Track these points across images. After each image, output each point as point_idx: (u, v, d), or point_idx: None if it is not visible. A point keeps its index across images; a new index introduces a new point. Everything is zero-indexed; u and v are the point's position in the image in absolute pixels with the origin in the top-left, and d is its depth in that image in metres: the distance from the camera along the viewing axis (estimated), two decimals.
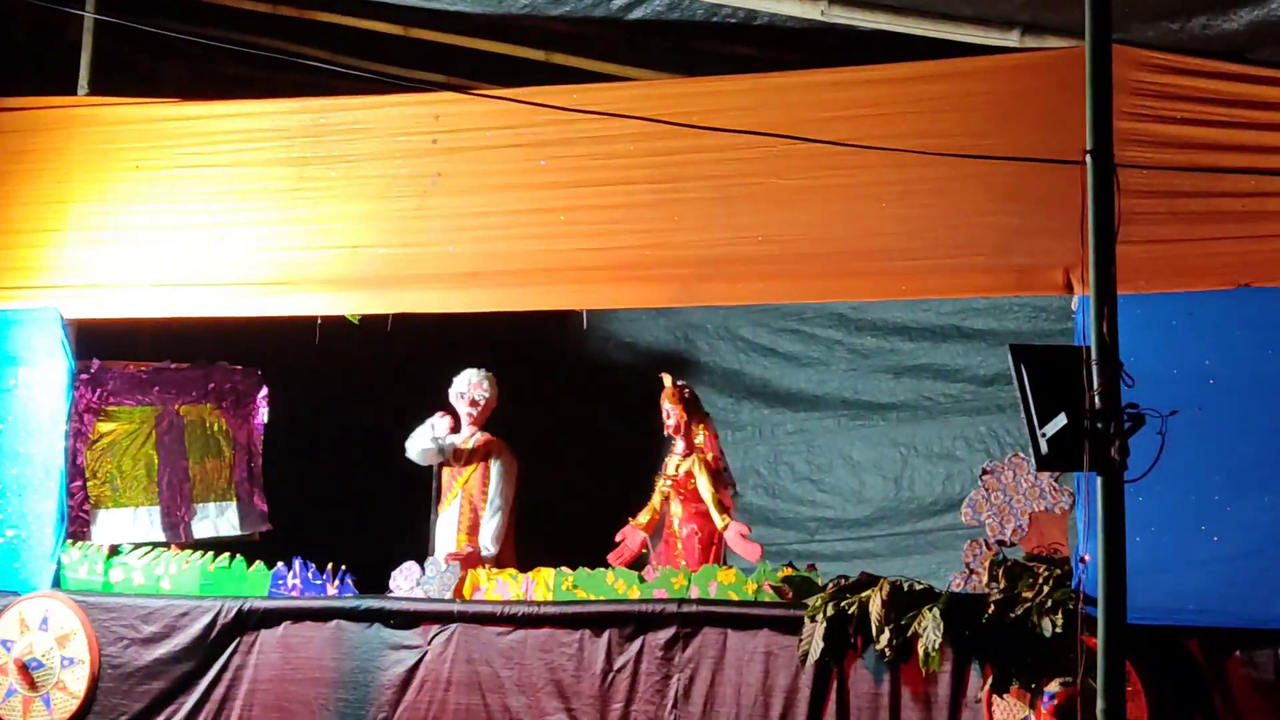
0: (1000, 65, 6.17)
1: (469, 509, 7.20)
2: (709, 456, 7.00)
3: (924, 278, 6.22)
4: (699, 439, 7.03)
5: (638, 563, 6.88)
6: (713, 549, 6.89)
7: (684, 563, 6.75)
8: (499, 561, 7.03)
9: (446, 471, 7.31)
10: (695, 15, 6.89)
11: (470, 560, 6.87)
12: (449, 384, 7.40)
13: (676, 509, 7.00)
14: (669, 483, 7.02)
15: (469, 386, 7.32)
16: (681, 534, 6.96)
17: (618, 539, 7.03)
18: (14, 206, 7.35)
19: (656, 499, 7.10)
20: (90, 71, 7.53)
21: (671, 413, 7.03)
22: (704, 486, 6.90)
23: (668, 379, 7.13)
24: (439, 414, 7.32)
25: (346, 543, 7.18)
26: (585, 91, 6.72)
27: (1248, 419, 5.54)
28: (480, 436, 7.30)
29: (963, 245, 6.07)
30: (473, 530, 7.16)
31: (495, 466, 7.23)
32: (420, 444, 7.25)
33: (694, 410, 7.11)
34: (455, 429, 7.32)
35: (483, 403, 7.31)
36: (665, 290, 6.69)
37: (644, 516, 7.08)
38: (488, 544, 7.10)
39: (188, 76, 8.52)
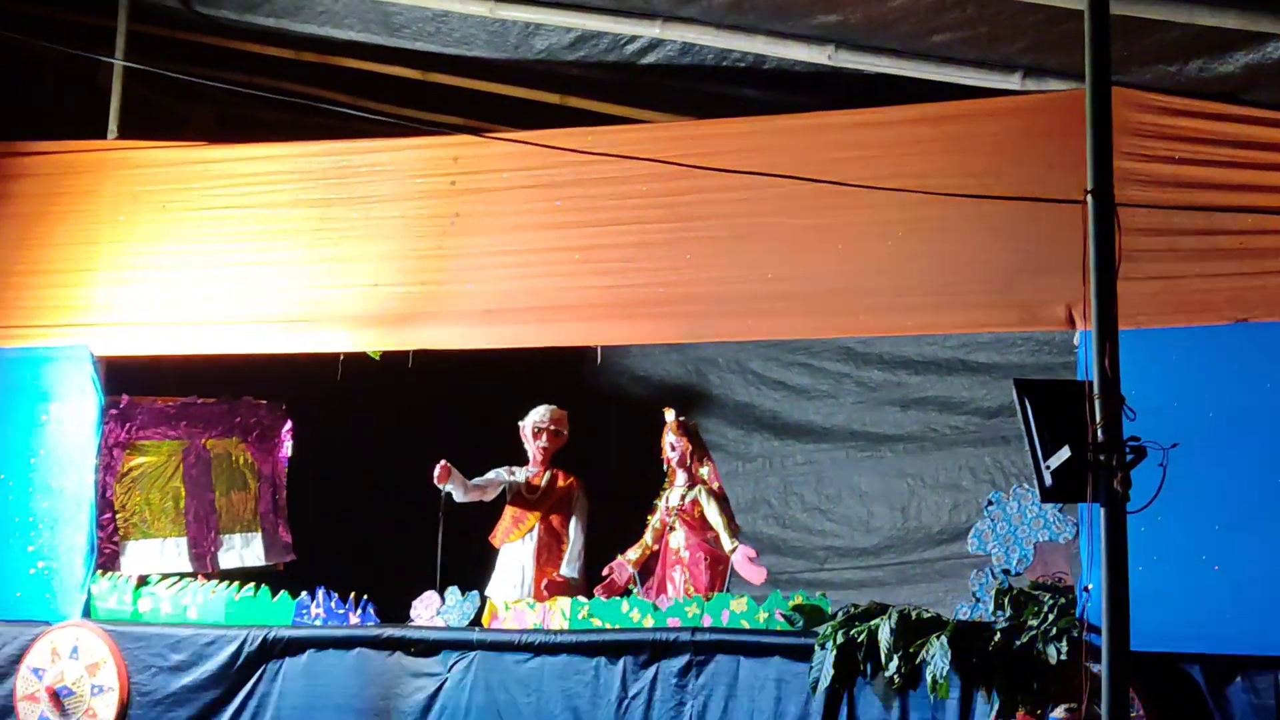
0: (1003, 107, 6.28)
1: (552, 541, 7.24)
2: (715, 486, 7.08)
3: (930, 314, 6.32)
4: (703, 470, 7.10)
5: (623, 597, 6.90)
6: (720, 571, 6.94)
7: (691, 589, 6.81)
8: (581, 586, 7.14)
9: (515, 508, 7.31)
10: (706, 60, 7.00)
11: (563, 588, 6.97)
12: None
13: (680, 539, 7.01)
14: (675, 514, 7.03)
15: (544, 422, 7.36)
16: (688, 560, 6.98)
17: (605, 572, 7.06)
18: (47, 248, 7.50)
19: (650, 536, 7.13)
20: (120, 116, 7.65)
21: (677, 445, 7.08)
22: (714, 513, 6.96)
23: (670, 413, 7.17)
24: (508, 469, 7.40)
25: (368, 572, 7.31)
26: (599, 134, 6.87)
27: (1246, 450, 5.62)
28: (558, 476, 7.37)
29: (967, 282, 6.16)
30: (555, 561, 7.21)
31: (579, 502, 7.33)
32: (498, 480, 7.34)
33: (697, 442, 7.19)
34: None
35: (554, 440, 7.36)
36: (678, 326, 6.81)
37: (634, 553, 7.11)
38: (574, 571, 7.19)
39: (214, 121, 8.70)
